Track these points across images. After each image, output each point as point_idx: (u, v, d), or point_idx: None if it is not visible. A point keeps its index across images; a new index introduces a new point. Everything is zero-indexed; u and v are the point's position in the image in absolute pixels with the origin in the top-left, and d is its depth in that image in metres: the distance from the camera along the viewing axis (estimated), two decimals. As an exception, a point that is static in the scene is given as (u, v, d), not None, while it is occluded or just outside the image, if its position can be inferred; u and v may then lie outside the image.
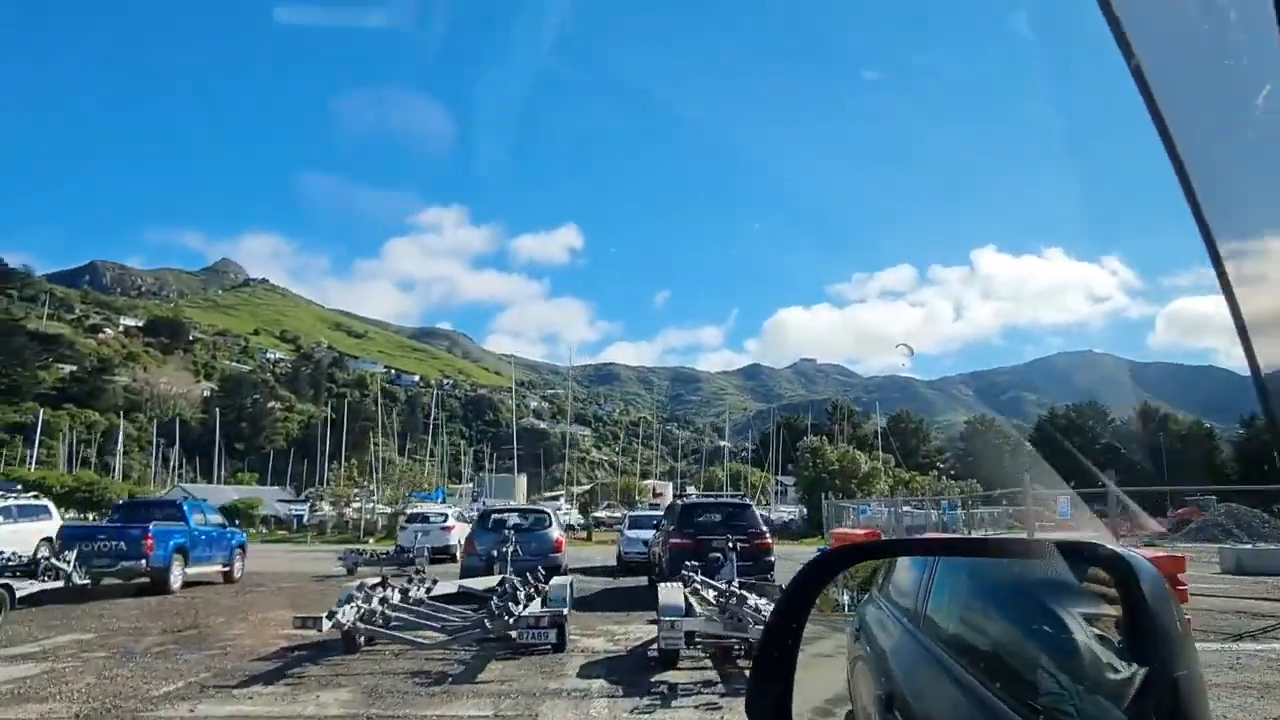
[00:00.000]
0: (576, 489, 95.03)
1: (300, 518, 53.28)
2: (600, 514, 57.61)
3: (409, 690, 7.98)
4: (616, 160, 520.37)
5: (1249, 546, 22.82)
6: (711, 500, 19.94)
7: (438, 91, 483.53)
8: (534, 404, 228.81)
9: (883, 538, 19.57)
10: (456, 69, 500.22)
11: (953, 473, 65.43)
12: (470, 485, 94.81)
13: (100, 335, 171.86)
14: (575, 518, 53.72)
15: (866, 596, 2.95)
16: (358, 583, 10.12)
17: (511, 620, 9.22)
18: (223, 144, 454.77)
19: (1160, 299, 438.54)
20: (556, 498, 63.30)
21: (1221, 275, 0.82)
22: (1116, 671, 1.17)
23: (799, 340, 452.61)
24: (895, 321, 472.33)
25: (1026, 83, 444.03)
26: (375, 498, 52.68)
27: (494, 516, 17.54)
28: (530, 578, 11.06)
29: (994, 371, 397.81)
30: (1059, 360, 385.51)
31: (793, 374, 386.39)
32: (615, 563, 24.60)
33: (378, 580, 10.55)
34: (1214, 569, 21.50)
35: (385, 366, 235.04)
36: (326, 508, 53.36)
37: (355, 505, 49.64)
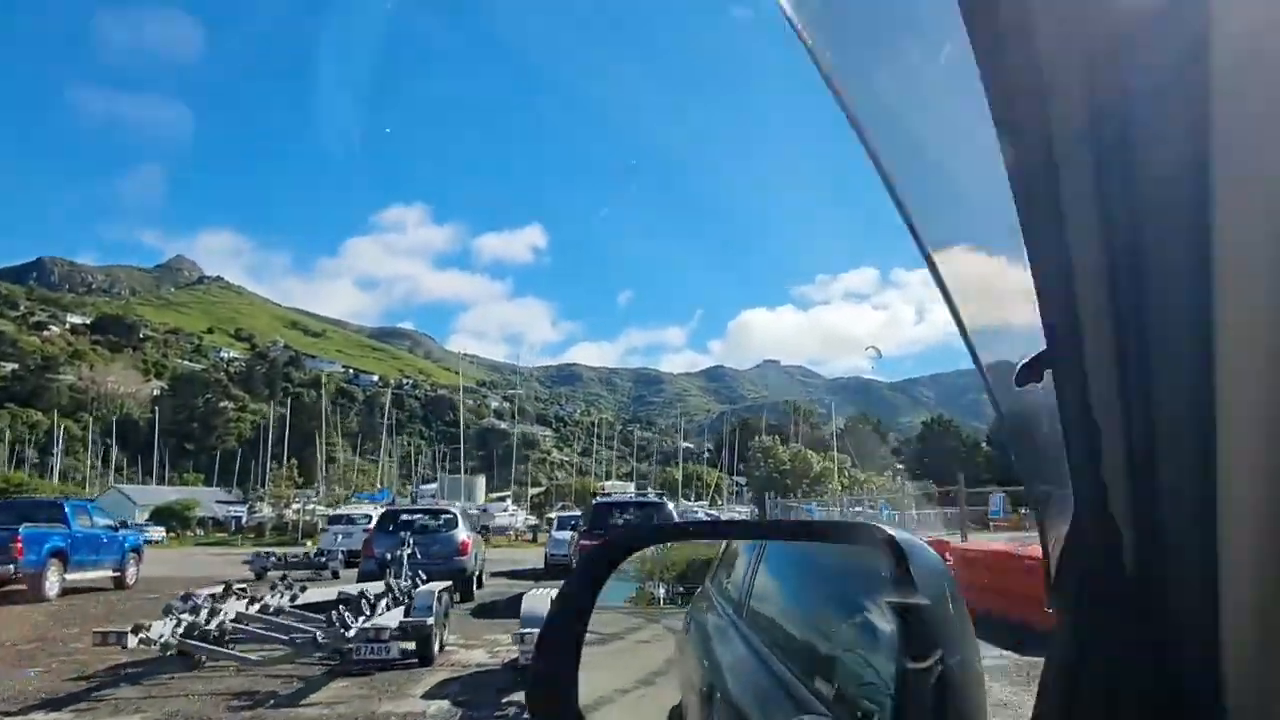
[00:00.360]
0: (532, 490, 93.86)
1: (239, 519, 51.64)
2: (554, 515, 56.59)
3: (215, 715, 6.90)
4: (583, 160, 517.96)
5: None
6: (625, 499, 19.15)
7: (395, 89, 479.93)
8: (495, 404, 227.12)
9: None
10: (415, 67, 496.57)
11: (915, 473, 65.20)
12: (431, 486, 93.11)
13: (45, 333, 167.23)
14: (523, 519, 52.26)
15: (700, 587, 3.00)
16: (183, 593, 8.96)
17: (349, 634, 8.14)
18: (179, 141, 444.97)
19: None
20: (504, 498, 61.81)
21: (940, 284, 0.87)
22: (890, 658, 1.18)
23: (763, 342, 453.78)
24: (859, 324, 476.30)
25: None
26: (318, 499, 51.31)
27: (394, 518, 16.40)
28: (393, 587, 10.01)
29: (955, 374, 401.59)
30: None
31: (756, 375, 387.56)
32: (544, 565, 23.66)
33: (217, 589, 9.41)
34: None
35: (343, 366, 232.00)
36: (266, 509, 51.79)
37: (295, 507, 48.18)
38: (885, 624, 1.27)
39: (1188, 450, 0.70)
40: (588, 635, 1.46)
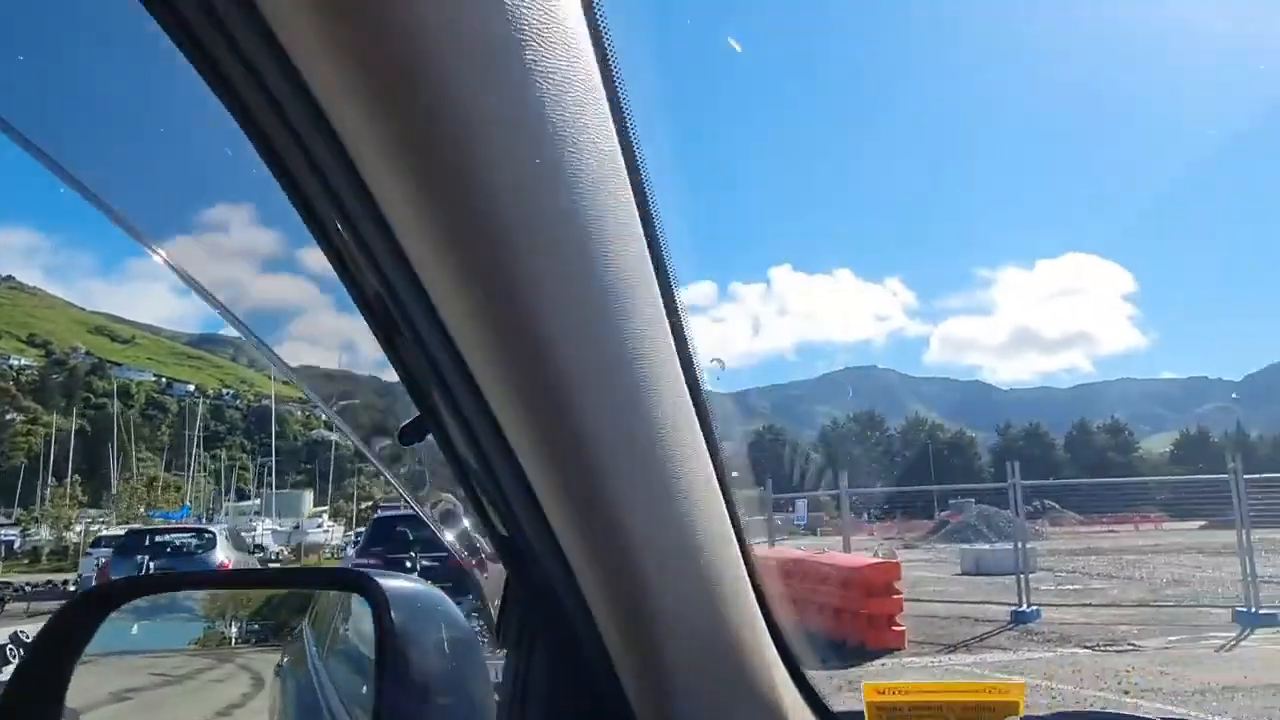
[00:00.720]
0: (364, 504, 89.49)
1: (10, 543, 45.97)
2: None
3: None
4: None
5: (987, 547, 22.98)
6: (409, 513, 17.71)
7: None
8: (325, 415, 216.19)
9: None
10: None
11: (733, 475, 66.41)
12: (250, 502, 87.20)
13: None
14: (341, 535, 49.22)
15: (300, 625, 2.83)
16: None
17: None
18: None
19: (934, 319, 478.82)
20: (320, 514, 58.35)
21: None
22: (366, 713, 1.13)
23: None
24: (698, 336, 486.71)
25: (824, 109, 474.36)
26: (111, 518, 46.52)
27: (140, 539, 14.43)
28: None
29: (789, 385, 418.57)
30: (846, 375, 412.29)
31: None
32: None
33: None
34: (955, 569, 21.70)
35: (155, 375, 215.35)
36: (44, 532, 46.38)
37: (78, 529, 43.33)
38: (359, 672, 1.24)
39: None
40: (156, 678, 1.39)
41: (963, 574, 20.92)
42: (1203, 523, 33.69)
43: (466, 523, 1.12)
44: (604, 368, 0.81)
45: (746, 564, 1.09)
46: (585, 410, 0.81)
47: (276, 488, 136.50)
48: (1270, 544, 15.23)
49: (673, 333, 0.95)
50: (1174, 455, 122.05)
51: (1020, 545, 14.20)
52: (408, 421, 0.96)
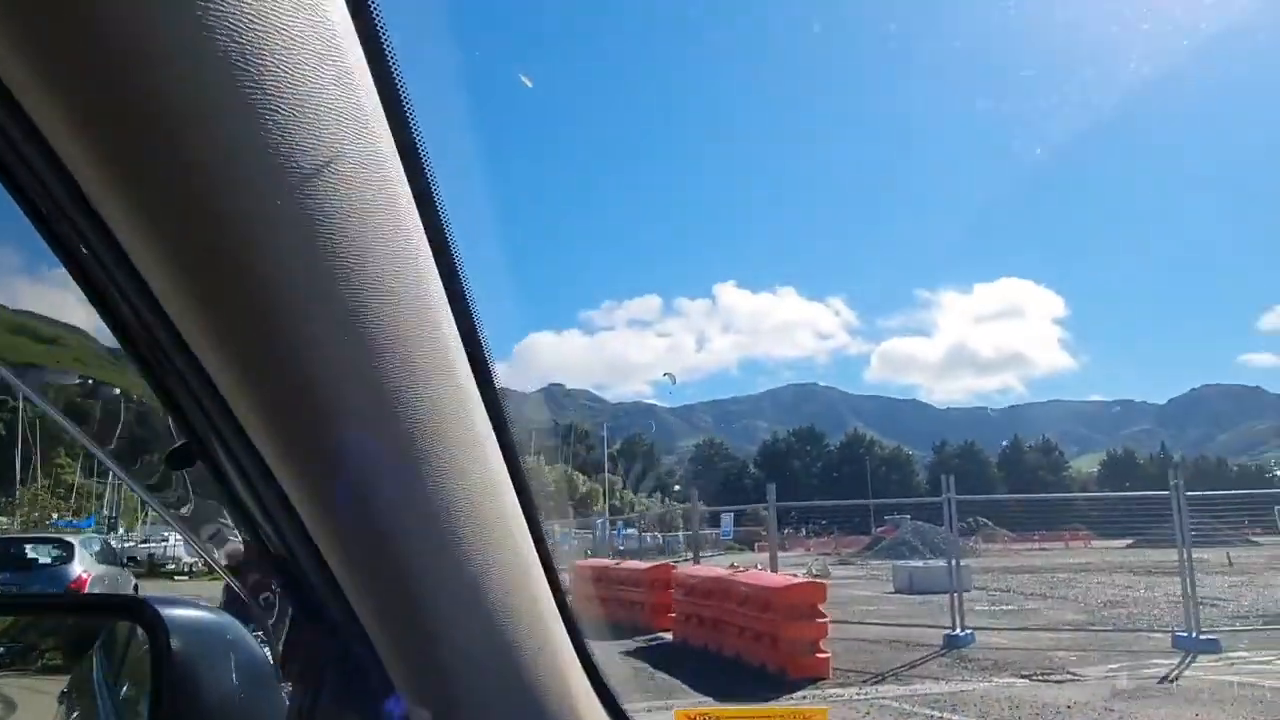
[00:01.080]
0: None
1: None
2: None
3: None
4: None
5: (919, 564, 22.14)
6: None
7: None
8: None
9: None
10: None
11: (675, 489, 65.65)
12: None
13: None
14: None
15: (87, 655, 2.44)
16: None
17: None
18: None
19: (875, 338, 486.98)
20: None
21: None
22: None
23: (549, 365, 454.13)
24: (643, 350, 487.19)
25: (765, 131, 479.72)
26: (13, 525, 43.89)
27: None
28: None
29: (731, 400, 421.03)
30: (788, 392, 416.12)
31: (542, 398, 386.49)
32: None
33: None
34: (888, 588, 20.96)
35: (80, 378, 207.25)
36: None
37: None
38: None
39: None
40: None
41: (896, 592, 20.12)
42: (1130, 541, 33.83)
43: (240, 550, 1.02)
44: (376, 398, 0.75)
45: (556, 596, 1.03)
46: (353, 444, 0.76)
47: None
48: (1201, 564, 14.78)
49: (471, 363, 0.88)
50: (1101, 475, 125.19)
51: (955, 563, 13.41)
52: (173, 447, 0.91)
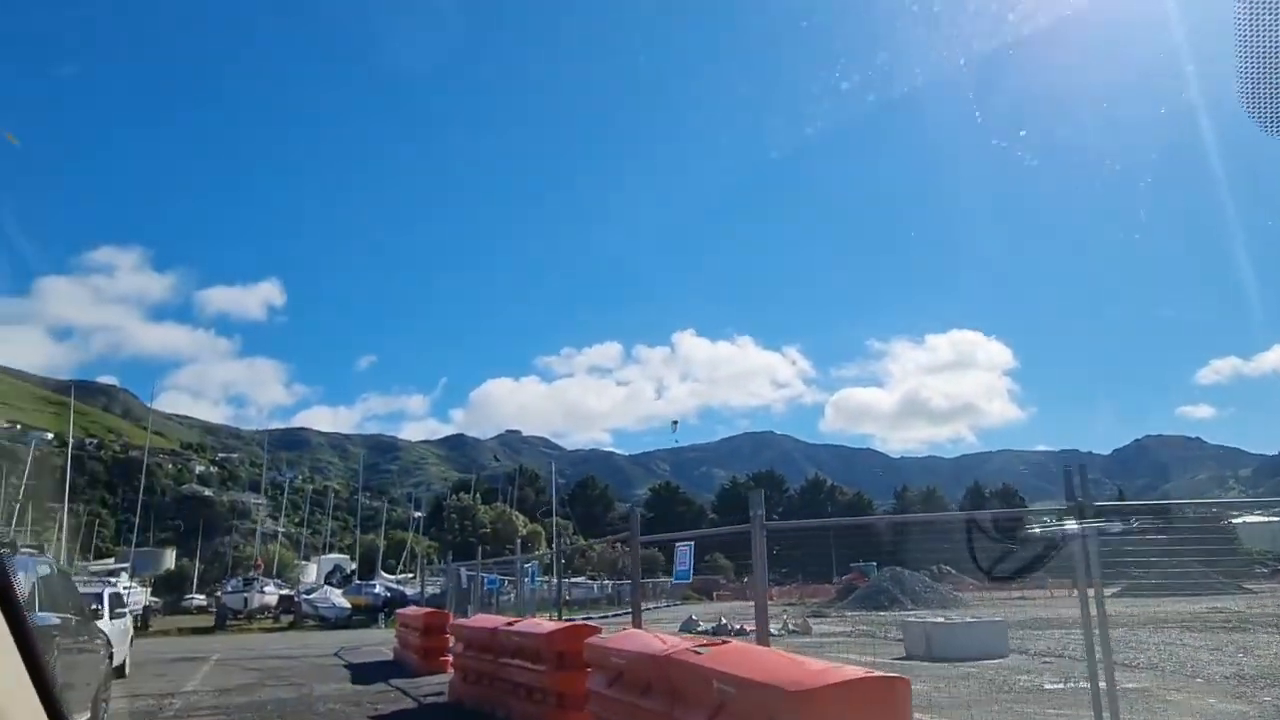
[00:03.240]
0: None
1: None
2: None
3: None
4: (328, 219, 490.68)
5: (939, 620, 17.56)
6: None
7: (121, 119, 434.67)
8: (199, 469, 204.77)
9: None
10: (146, 99, 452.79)
11: (623, 538, 62.97)
12: (107, 562, 78.36)
13: None
14: (145, 599, 39.99)
15: None
16: None
17: None
18: None
19: (829, 387, 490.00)
20: (115, 572, 50.23)
21: None
22: None
23: (506, 412, 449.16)
24: (601, 398, 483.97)
25: (723, 180, 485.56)
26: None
27: None
28: None
29: (690, 448, 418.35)
30: (744, 440, 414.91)
31: (498, 445, 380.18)
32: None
33: None
34: (896, 651, 16.49)
35: (9, 421, 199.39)
36: None
37: None
38: None
39: None
40: None
41: (909, 658, 15.29)
42: (1117, 589, 32.02)
43: None
44: None
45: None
46: None
47: (138, 545, 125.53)
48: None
49: None
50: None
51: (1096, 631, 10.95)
52: None
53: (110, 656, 9.03)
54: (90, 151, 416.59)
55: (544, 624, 8.60)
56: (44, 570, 7.04)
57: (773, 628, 22.46)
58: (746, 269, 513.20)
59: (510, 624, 8.95)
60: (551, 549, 40.21)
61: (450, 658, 12.84)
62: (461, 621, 12.30)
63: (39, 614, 6.34)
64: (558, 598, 12.94)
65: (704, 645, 5.34)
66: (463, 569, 23.41)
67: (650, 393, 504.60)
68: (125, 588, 39.73)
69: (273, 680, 14.42)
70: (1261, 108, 2.22)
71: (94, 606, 13.10)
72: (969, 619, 15.85)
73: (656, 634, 7.20)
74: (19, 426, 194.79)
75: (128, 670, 15.02)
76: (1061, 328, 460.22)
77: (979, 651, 11.48)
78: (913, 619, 18.52)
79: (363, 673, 15.52)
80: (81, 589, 14.15)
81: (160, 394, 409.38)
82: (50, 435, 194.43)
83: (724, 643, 5.47)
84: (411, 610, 17.95)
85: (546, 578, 22.69)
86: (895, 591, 27.24)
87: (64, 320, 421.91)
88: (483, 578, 24.27)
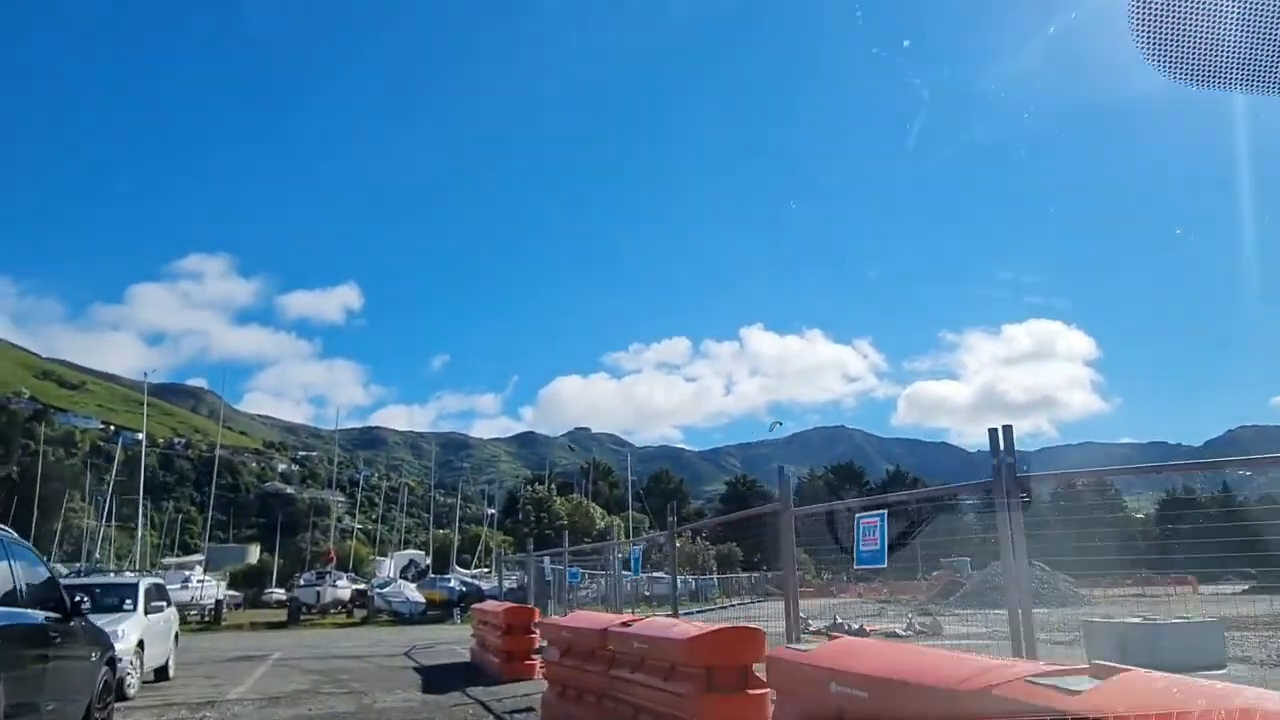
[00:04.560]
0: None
1: None
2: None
3: None
4: (406, 223, 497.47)
5: (1136, 621, 13.85)
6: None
7: (207, 129, 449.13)
8: (281, 467, 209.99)
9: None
10: (234, 112, 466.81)
11: (704, 535, 60.35)
12: (195, 557, 79.67)
13: None
14: (219, 592, 39.44)
15: None
16: None
17: None
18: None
19: (902, 381, 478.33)
20: (189, 565, 50.08)
21: None
22: None
23: (575, 409, 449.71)
24: (670, 394, 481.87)
25: (792, 174, 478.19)
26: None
27: None
28: None
29: (759, 444, 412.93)
30: (815, 435, 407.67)
31: (568, 442, 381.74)
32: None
33: None
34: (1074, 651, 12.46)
35: (102, 422, 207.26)
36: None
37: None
38: None
39: None
40: None
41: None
42: (1246, 586, 28.62)
43: None
44: None
45: None
46: None
47: (223, 541, 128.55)
48: None
49: None
50: (1160, 515, 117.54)
51: None
52: None
53: (111, 663, 7.12)
54: (183, 164, 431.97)
55: (679, 625, 6.18)
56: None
57: (898, 627, 19.67)
58: (816, 261, 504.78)
59: (627, 624, 6.56)
60: (639, 538, 38.27)
61: (538, 661, 10.94)
62: (555, 620, 9.95)
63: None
64: (673, 594, 10.65)
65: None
66: (547, 560, 21.42)
67: (719, 388, 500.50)
68: (198, 581, 39.33)
69: (330, 686, 12.74)
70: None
71: (126, 601, 11.37)
72: (1174, 619, 12.98)
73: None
74: (111, 427, 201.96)
75: (172, 672, 13.37)
76: (1148, 315, 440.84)
77: (1190, 660, 8.95)
78: (1098, 619, 15.43)
79: (435, 678, 13.60)
80: (129, 581, 12.50)
81: (245, 395, 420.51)
82: (140, 435, 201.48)
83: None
84: (490, 605, 15.62)
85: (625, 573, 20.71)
86: (1004, 586, 24.12)
87: (156, 326, 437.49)
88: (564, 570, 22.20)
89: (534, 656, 11.80)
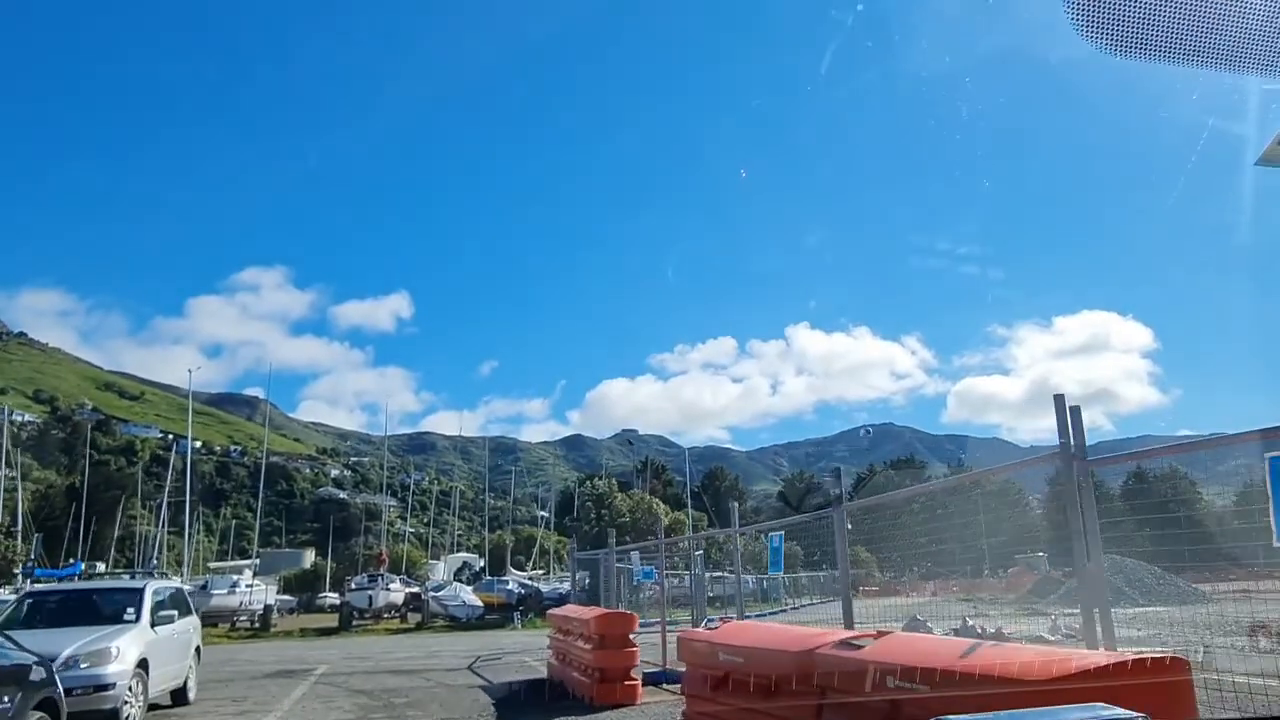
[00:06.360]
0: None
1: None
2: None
3: None
4: (454, 232, 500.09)
5: None
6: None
7: (265, 139, 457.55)
8: (335, 473, 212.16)
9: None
10: (286, 128, 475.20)
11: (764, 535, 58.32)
12: (246, 561, 79.87)
13: None
14: (269, 598, 38.61)
15: None
16: None
17: None
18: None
19: (952, 377, 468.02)
20: (239, 569, 49.30)
21: None
22: None
23: (622, 411, 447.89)
24: (717, 395, 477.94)
25: (836, 170, 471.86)
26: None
27: None
28: None
29: (806, 443, 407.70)
30: (864, 433, 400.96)
31: (615, 444, 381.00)
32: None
33: None
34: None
35: (161, 431, 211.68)
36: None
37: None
38: None
39: None
40: None
41: None
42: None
43: None
44: None
45: None
46: None
47: (278, 546, 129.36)
48: None
49: None
50: (1239, 505, 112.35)
51: None
52: None
53: (51, 706, 5.28)
54: (241, 178, 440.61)
55: (926, 641, 3.98)
56: None
57: (1042, 629, 17.38)
58: (859, 257, 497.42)
59: (847, 642, 4.26)
60: (695, 535, 36.36)
61: (639, 682, 9.19)
62: (704, 635, 7.23)
63: None
64: (739, 594, 8.81)
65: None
66: (636, 555, 19.42)
67: (765, 388, 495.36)
68: (247, 586, 38.35)
69: (381, 715, 10.56)
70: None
71: (127, 609, 9.50)
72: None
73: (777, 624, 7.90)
74: (170, 436, 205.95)
75: (192, 695, 11.37)
76: (1209, 304, 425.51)
77: None
78: None
79: (512, 704, 11.44)
80: (131, 585, 10.66)
81: (300, 404, 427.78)
82: (199, 444, 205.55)
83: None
84: (573, 610, 13.14)
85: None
86: (1119, 583, 21.76)
87: (214, 337, 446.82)
88: (631, 568, 20.23)
89: (634, 676, 9.95)
